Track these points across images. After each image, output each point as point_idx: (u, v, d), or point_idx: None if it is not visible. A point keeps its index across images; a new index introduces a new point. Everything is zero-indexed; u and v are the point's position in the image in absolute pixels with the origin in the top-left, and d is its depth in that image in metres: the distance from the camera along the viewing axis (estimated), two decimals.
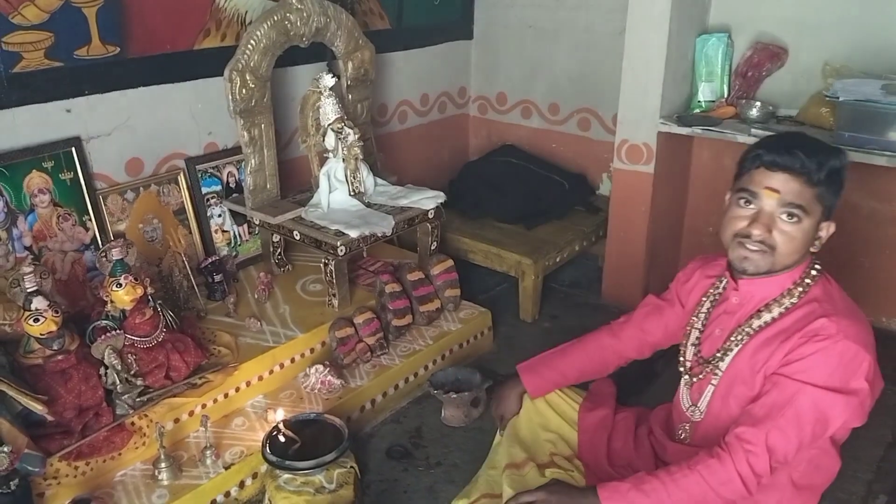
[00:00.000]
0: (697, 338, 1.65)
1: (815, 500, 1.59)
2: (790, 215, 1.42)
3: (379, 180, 2.81)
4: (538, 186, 3.33)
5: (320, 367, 2.36)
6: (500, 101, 3.74)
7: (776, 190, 1.42)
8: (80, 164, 2.36)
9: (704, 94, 2.90)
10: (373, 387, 2.43)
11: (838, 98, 2.41)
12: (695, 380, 1.63)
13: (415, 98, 3.53)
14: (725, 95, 2.91)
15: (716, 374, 1.57)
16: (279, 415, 2.12)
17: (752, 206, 1.46)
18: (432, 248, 2.85)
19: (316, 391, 2.34)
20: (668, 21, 2.67)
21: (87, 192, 2.39)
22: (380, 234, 2.55)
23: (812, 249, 1.48)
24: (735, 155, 2.94)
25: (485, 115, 3.82)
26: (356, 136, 2.59)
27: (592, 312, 3.09)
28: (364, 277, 2.81)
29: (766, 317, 1.51)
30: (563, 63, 3.45)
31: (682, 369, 1.68)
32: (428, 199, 2.73)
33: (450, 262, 2.80)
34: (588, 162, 3.50)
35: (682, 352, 1.70)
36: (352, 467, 2.07)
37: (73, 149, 2.35)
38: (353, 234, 2.46)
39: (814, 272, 1.50)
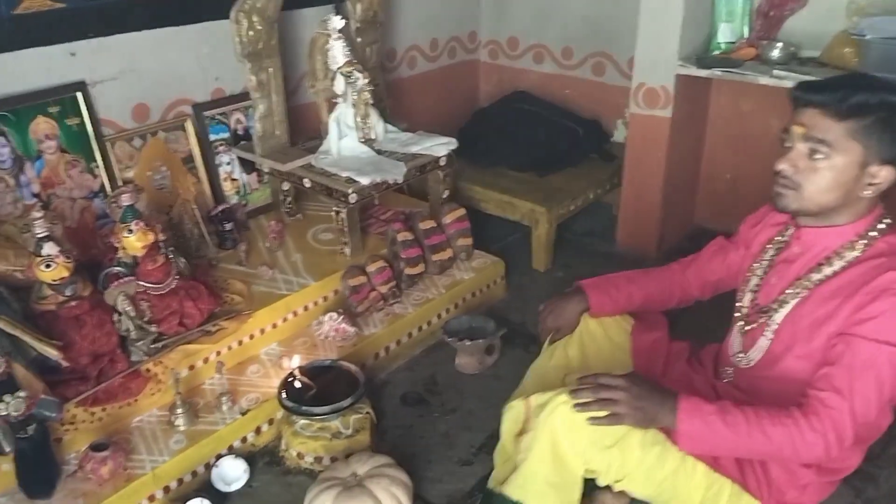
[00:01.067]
0: (757, 284, 1.62)
1: (862, 454, 1.58)
2: (815, 151, 1.40)
3: (389, 126, 2.75)
4: (551, 133, 3.27)
5: (334, 315, 2.34)
6: (511, 45, 3.65)
7: (801, 124, 1.42)
8: (86, 109, 2.32)
9: (724, 34, 2.81)
10: (386, 335, 2.41)
11: (865, 36, 2.33)
12: (748, 328, 1.60)
13: (424, 43, 3.45)
14: (746, 36, 2.82)
15: (769, 326, 1.54)
16: (294, 361, 2.12)
17: (788, 144, 1.45)
18: (444, 196, 2.81)
19: (330, 339, 2.33)
20: None
21: (95, 139, 2.35)
22: (391, 181, 2.51)
23: (864, 194, 1.43)
24: (754, 98, 2.94)
25: (496, 60, 3.74)
26: (366, 81, 2.53)
27: (606, 261, 3.06)
28: (376, 226, 2.78)
29: (827, 270, 1.48)
30: (576, 5, 3.35)
31: (737, 314, 1.65)
32: (440, 146, 2.68)
33: (462, 211, 2.76)
34: (602, 108, 3.43)
35: (739, 297, 1.67)
36: (367, 413, 2.07)
37: (79, 93, 2.30)
38: (365, 180, 2.42)
39: (882, 225, 1.46)
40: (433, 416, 2.23)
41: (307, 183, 2.54)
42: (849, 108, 1.37)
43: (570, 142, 3.26)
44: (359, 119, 2.60)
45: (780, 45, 2.66)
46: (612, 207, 3.29)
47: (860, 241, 1.46)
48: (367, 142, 2.64)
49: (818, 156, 1.40)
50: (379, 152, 2.63)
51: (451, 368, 2.42)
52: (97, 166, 2.37)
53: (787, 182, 1.45)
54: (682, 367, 1.76)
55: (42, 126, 2.24)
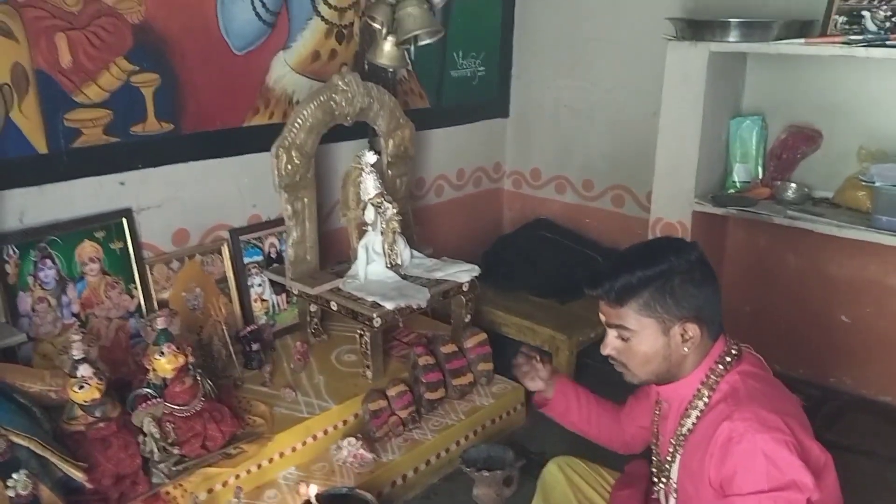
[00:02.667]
0: (656, 441, 1.66)
1: None
2: (618, 335, 1.51)
3: (415, 252, 2.86)
4: (572, 261, 3.35)
5: (353, 441, 2.36)
6: (534, 176, 3.81)
7: (602, 313, 1.53)
8: (129, 234, 2.45)
9: (739, 174, 2.93)
10: (404, 462, 2.42)
11: (874, 183, 2.42)
12: (659, 486, 1.63)
13: (451, 173, 3.61)
14: (760, 176, 2.93)
15: (671, 484, 1.58)
16: (312, 489, 2.12)
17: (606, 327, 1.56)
18: (466, 320, 2.87)
19: (348, 465, 2.34)
20: (703, 104, 2.72)
21: (135, 262, 2.48)
22: (415, 307, 2.58)
23: (684, 352, 1.49)
24: (770, 235, 3.02)
25: (519, 189, 3.89)
26: (395, 211, 2.66)
27: (626, 390, 3.03)
28: (398, 348, 2.83)
29: (688, 423, 1.51)
30: (597, 141, 3.51)
31: (654, 470, 1.67)
32: (463, 272, 2.77)
33: (483, 336, 2.81)
34: (622, 238, 3.51)
35: (653, 452, 1.70)
36: None
37: (124, 219, 2.44)
38: (389, 305, 2.50)
39: (721, 366, 1.50)
40: None
41: (334, 306, 2.62)
42: (618, 296, 1.46)
43: (590, 270, 3.33)
44: (386, 246, 2.72)
45: (793, 185, 2.76)
46: None
47: (705, 389, 1.49)
48: (394, 267, 2.74)
49: (625, 337, 1.49)
50: (405, 277, 2.72)
51: (469, 499, 2.39)
52: (136, 287, 2.48)
53: (616, 363, 1.55)
54: None
55: (87, 250, 2.37)
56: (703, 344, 1.50)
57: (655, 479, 1.65)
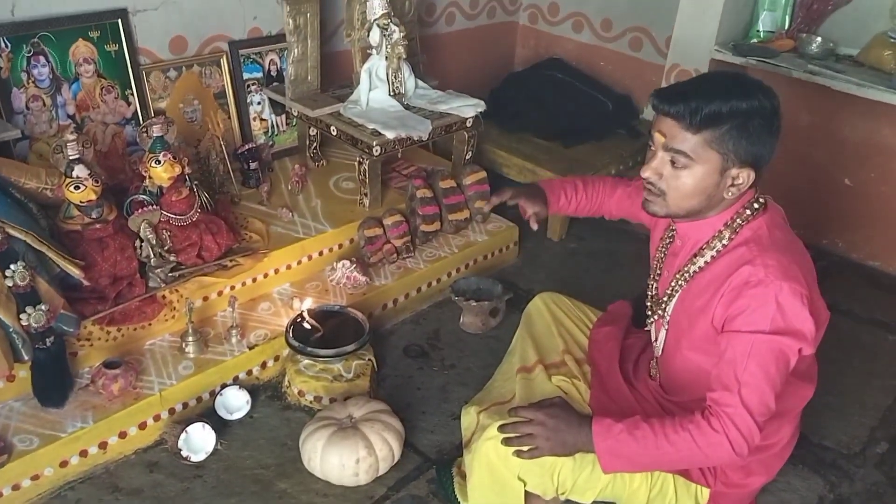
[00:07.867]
0: (657, 275, 1.67)
1: (792, 424, 1.63)
2: (674, 161, 1.42)
3: (420, 83, 2.77)
4: (581, 105, 3.27)
5: (347, 263, 2.41)
6: (551, 10, 3.62)
7: (662, 133, 1.42)
8: (125, 36, 2.36)
9: (765, 23, 2.78)
10: (396, 287, 2.48)
11: None
12: (652, 318, 1.67)
13: (464, 0, 3.43)
14: (786, 27, 2.79)
15: (664, 317, 1.61)
16: (305, 303, 2.19)
17: (653, 149, 1.46)
18: (467, 157, 2.83)
19: (341, 285, 2.40)
20: None
21: (131, 66, 2.40)
22: (416, 138, 2.54)
23: (727, 196, 1.45)
24: (787, 91, 2.90)
25: (535, 24, 3.71)
26: (401, 34, 2.55)
27: (619, 236, 3.09)
28: (396, 180, 2.82)
29: (700, 262, 1.51)
30: None
31: (647, 304, 1.70)
32: (468, 107, 2.70)
33: (483, 174, 2.78)
34: (635, 84, 3.41)
35: (649, 285, 1.71)
36: (369, 360, 2.15)
37: (120, 20, 2.34)
38: (390, 134, 2.46)
39: (748, 212, 1.48)
40: (432, 369, 2.31)
41: (333, 131, 2.58)
42: (702, 120, 1.37)
43: (598, 115, 3.25)
44: (390, 72, 2.63)
45: (818, 39, 2.64)
46: None
47: (727, 231, 1.48)
48: (397, 96, 2.66)
49: (679, 165, 1.41)
50: (407, 107, 2.66)
51: (456, 326, 2.49)
52: (132, 94, 2.42)
53: (653, 189, 1.47)
54: (628, 366, 1.80)
55: (81, 49, 2.29)
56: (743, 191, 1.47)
57: (649, 313, 1.69)
